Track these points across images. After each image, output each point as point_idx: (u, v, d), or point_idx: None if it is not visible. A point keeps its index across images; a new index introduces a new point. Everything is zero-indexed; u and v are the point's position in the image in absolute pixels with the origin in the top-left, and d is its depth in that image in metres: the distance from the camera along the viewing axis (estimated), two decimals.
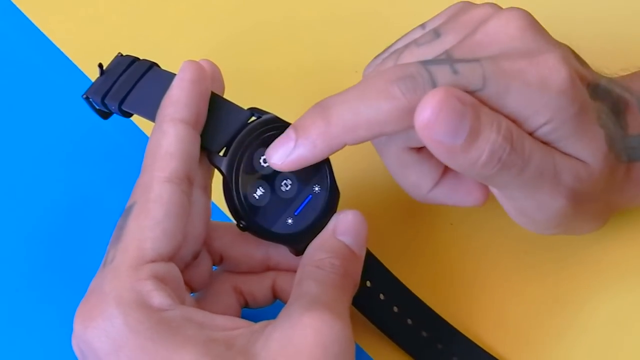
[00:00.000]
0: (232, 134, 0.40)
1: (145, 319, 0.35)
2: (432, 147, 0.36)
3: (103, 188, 0.49)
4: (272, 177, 0.40)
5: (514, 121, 0.36)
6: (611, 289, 0.45)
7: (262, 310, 0.43)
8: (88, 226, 0.48)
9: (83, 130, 0.51)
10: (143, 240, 0.37)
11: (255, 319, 0.38)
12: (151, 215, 0.37)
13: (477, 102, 0.35)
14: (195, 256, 0.40)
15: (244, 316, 0.42)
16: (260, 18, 0.54)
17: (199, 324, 0.36)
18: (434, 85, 0.36)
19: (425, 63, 0.36)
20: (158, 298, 0.36)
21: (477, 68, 0.36)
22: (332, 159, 0.41)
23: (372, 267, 0.42)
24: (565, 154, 0.38)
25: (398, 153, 0.40)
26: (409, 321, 0.43)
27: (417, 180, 0.41)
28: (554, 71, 0.36)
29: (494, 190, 0.40)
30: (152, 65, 0.43)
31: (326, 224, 0.40)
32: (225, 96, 0.41)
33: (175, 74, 0.40)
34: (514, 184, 0.37)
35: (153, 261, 0.37)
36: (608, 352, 0.44)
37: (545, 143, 0.37)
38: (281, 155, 0.37)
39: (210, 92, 0.40)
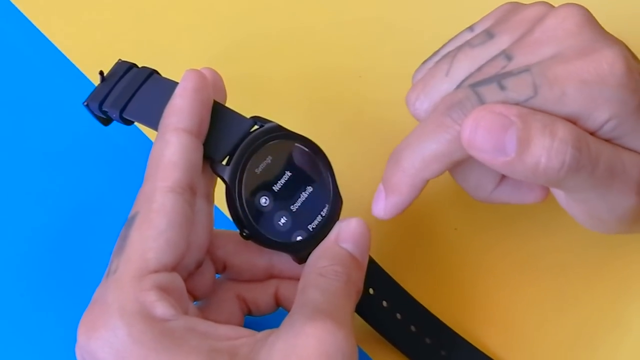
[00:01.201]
0: (234, 143, 0.40)
1: (149, 329, 0.35)
2: (487, 164, 0.36)
3: (107, 194, 0.49)
4: (274, 186, 0.40)
5: (575, 122, 0.36)
6: (619, 294, 0.45)
7: (264, 317, 0.43)
8: (91, 233, 0.48)
9: (86, 135, 0.50)
10: (146, 250, 0.37)
11: (258, 326, 0.38)
12: (154, 225, 0.37)
13: (526, 111, 0.36)
14: (199, 265, 0.40)
15: (246, 324, 0.42)
16: (261, 25, 0.54)
17: (202, 334, 0.36)
18: (482, 104, 0.36)
19: (473, 86, 0.37)
20: (161, 308, 0.36)
21: (527, 77, 0.36)
22: (334, 166, 0.41)
23: (375, 274, 0.42)
24: (629, 149, 0.37)
25: None
26: (412, 328, 0.43)
27: (479, 181, 0.41)
28: (613, 66, 0.36)
29: (560, 197, 0.39)
30: (153, 72, 0.43)
31: (329, 231, 0.40)
32: (227, 104, 0.41)
33: (176, 82, 0.40)
34: (586, 186, 0.37)
35: (156, 271, 0.37)
36: (616, 358, 0.44)
37: (608, 140, 0.37)
38: (380, 207, 0.40)
39: (212, 101, 0.40)
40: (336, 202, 0.41)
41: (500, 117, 0.35)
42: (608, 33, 0.38)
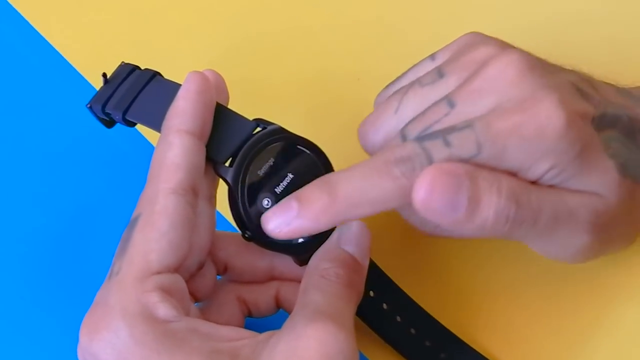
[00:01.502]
0: (237, 145, 0.40)
1: (151, 330, 0.35)
2: (436, 222, 0.36)
3: (108, 196, 0.49)
4: (277, 187, 0.40)
5: (516, 173, 0.37)
6: (620, 299, 0.45)
7: (265, 319, 0.43)
8: (93, 235, 0.48)
9: (87, 138, 0.50)
10: (148, 252, 0.37)
11: (258, 328, 0.38)
12: (156, 227, 0.37)
13: (473, 169, 0.36)
14: (200, 266, 0.40)
15: (247, 325, 0.42)
16: (262, 27, 0.54)
17: (204, 335, 0.36)
18: (430, 162, 0.36)
19: (420, 140, 0.37)
20: (163, 310, 0.36)
21: (470, 135, 0.37)
22: (336, 168, 0.41)
23: (375, 277, 0.42)
24: (576, 191, 0.38)
25: None
26: (413, 331, 0.43)
27: (424, 219, 0.40)
28: (550, 119, 0.36)
29: None
30: (155, 74, 0.43)
31: (330, 234, 0.40)
32: (229, 106, 0.41)
33: (179, 84, 0.40)
34: (531, 235, 0.38)
35: (158, 273, 0.37)
36: None
37: (552, 186, 0.38)
38: (279, 223, 0.37)
39: (215, 103, 0.40)
40: None
41: (452, 178, 0.36)
42: (551, 77, 0.38)
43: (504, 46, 0.39)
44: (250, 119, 0.41)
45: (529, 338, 0.44)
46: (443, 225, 0.37)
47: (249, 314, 0.43)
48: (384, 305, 0.43)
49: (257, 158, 0.40)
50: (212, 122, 0.40)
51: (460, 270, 0.46)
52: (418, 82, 0.40)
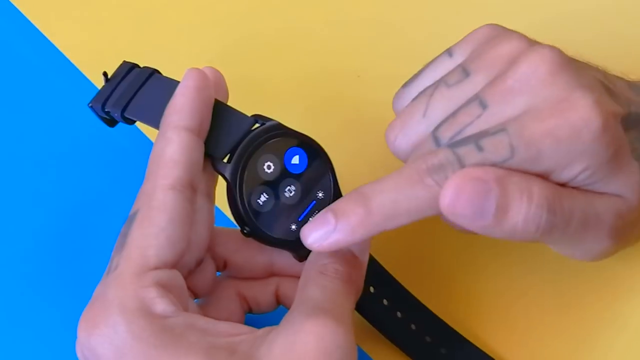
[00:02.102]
0: (236, 141, 0.40)
1: (149, 326, 0.35)
2: (465, 227, 0.36)
3: (107, 194, 0.49)
4: (275, 184, 0.40)
5: (548, 175, 0.37)
6: (619, 291, 0.45)
7: (265, 315, 0.43)
8: (92, 232, 0.48)
9: (87, 136, 0.51)
10: (146, 247, 0.37)
11: (259, 324, 0.38)
12: (155, 222, 0.37)
13: (503, 174, 0.36)
14: (199, 262, 0.40)
15: (247, 322, 0.42)
16: (262, 24, 0.54)
17: (202, 331, 0.36)
18: (462, 167, 0.36)
19: (452, 146, 0.37)
20: (161, 305, 0.36)
21: (504, 139, 0.36)
22: (335, 165, 0.41)
23: (376, 272, 0.42)
24: (602, 194, 0.38)
25: None
26: (413, 326, 0.43)
27: None
28: (587, 121, 0.36)
29: None
30: (154, 72, 0.43)
31: None
32: (228, 103, 0.41)
33: (177, 81, 0.40)
34: (560, 240, 0.38)
35: (157, 268, 0.37)
36: (614, 355, 0.44)
37: (579, 188, 0.38)
38: (319, 237, 0.37)
39: (214, 100, 0.40)
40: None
41: (480, 184, 0.35)
42: (583, 75, 0.38)
43: (530, 41, 0.39)
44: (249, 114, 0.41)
45: (530, 333, 0.44)
46: (472, 230, 0.37)
47: (249, 310, 0.43)
48: (384, 301, 0.43)
49: (256, 154, 0.40)
50: (210, 118, 0.40)
51: (461, 266, 0.46)
52: (443, 82, 0.39)
